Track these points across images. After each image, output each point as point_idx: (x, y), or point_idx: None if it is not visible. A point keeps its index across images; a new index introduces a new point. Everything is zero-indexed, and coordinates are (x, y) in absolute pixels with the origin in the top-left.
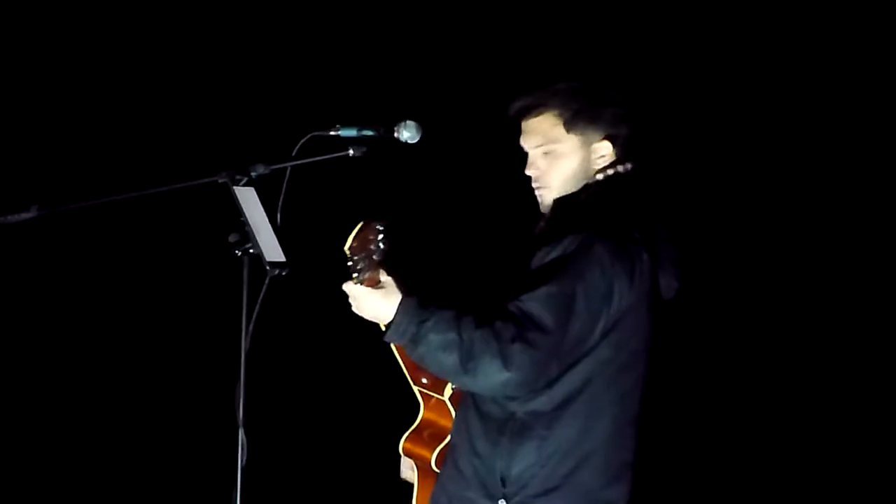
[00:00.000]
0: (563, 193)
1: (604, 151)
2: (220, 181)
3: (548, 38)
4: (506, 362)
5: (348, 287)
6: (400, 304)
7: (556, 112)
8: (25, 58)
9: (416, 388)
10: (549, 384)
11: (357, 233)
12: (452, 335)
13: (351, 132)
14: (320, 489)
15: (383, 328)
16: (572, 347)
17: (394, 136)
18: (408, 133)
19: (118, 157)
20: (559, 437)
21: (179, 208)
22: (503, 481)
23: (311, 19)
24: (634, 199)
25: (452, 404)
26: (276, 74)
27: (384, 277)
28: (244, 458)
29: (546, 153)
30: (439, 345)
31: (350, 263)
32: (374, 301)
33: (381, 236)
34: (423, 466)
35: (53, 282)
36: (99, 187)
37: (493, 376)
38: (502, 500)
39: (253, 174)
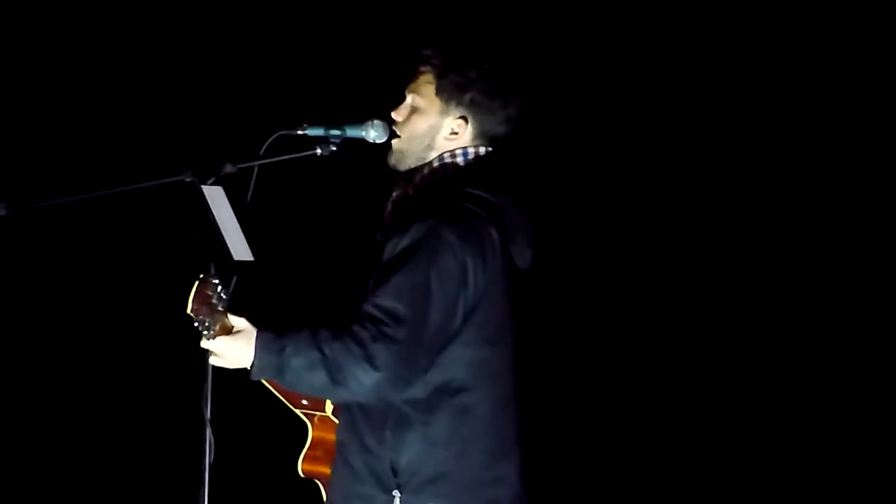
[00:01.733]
0: (406, 147)
1: (456, 129)
2: (186, 180)
3: (519, 40)
4: (372, 363)
5: (205, 344)
6: (256, 340)
7: (437, 73)
8: None
9: (298, 412)
10: (422, 372)
11: (195, 294)
12: (314, 353)
13: (318, 131)
14: (287, 487)
15: (249, 368)
16: (436, 334)
17: (361, 136)
18: (375, 132)
19: (86, 156)
20: (439, 423)
21: (147, 207)
22: (394, 472)
23: (278, 19)
24: (477, 176)
25: (336, 416)
26: (244, 73)
27: (234, 321)
28: (211, 456)
29: (410, 105)
30: (304, 366)
31: (196, 324)
32: (234, 347)
33: (219, 288)
34: (326, 482)
35: (19, 280)
36: (67, 186)
37: (364, 381)
38: (395, 490)
39: (220, 173)
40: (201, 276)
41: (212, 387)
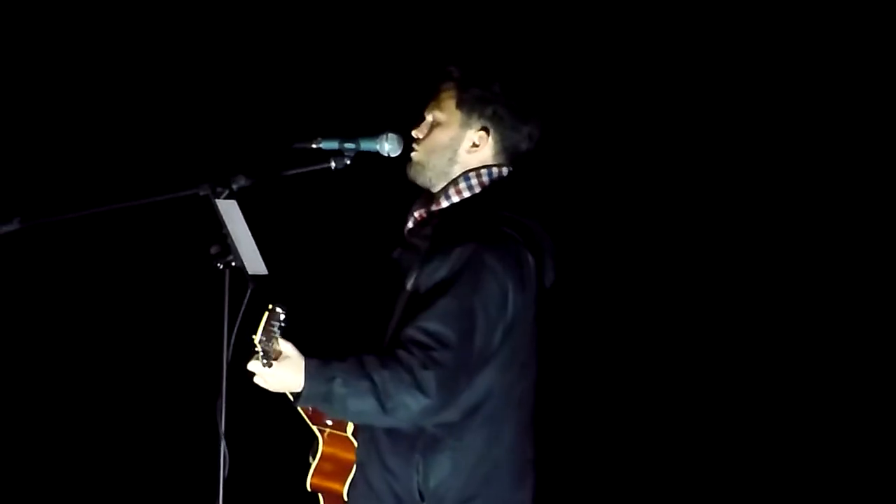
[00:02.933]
0: (424, 160)
1: (477, 141)
2: (201, 193)
3: (531, 57)
4: (422, 390)
5: (254, 367)
6: (305, 368)
7: (459, 86)
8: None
9: (312, 425)
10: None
11: (264, 323)
12: (364, 382)
13: (332, 144)
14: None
15: (290, 396)
16: (477, 359)
17: (375, 149)
18: (389, 146)
19: (101, 170)
20: (470, 446)
21: (161, 220)
22: (421, 495)
23: (292, 33)
24: (513, 200)
25: (354, 437)
26: (259, 86)
27: (284, 348)
28: (226, 470)
29: (433, 120)
30: (354, 396)
31: (258, 351)
32: (282, 374)
33: (282, 317)
34: (333, 499)
35: (37, 294)
36: (81, 199)
37: (413, 407)
38: None
39: (234, 186)
40: (270, 306)
41: (226, 401)
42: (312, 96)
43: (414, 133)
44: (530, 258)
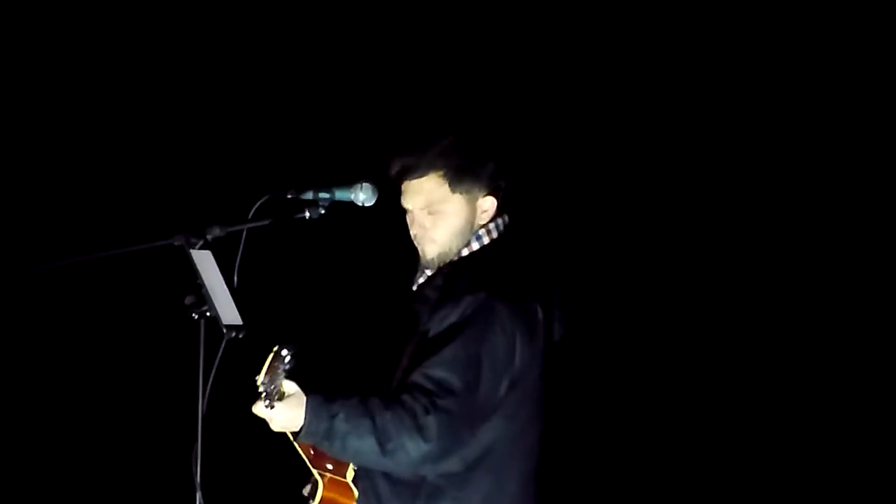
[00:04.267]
0: (447, 248)
1: (487, 206)
2: (176, 244)
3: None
4: (423, 435)
5: (258, 410)
6: (307, 405)
7: (440, 172)
8: None
9: (313, 469)
10: (462, 446)
11: (268, 366)
12: (365, 421)
13: (307, 194)
14: None
15: (290, 436)
16: (482, 409)
17: (350, 199)
18: (363, 195)
19: (76, 221)
20: (472, 498)
21: (136, 270)
22: None
23: (266, 83)
24: (521, 251)
25: (354, 484)
26: (233, 136)
27: (288, 387)
28: None
29: (431, 212)
30: (354, 435)
31: (261, 393)
32: (285, 413)
33: (287, 360)
34: None
35: (10, 344)
36: (57, 250)
37: (413, 452)
38: None
39: (209, 237)
40: (276, 347)
41: (202, 451)
42: (286, 146)
43: (415, 231)
44: (540, 311)
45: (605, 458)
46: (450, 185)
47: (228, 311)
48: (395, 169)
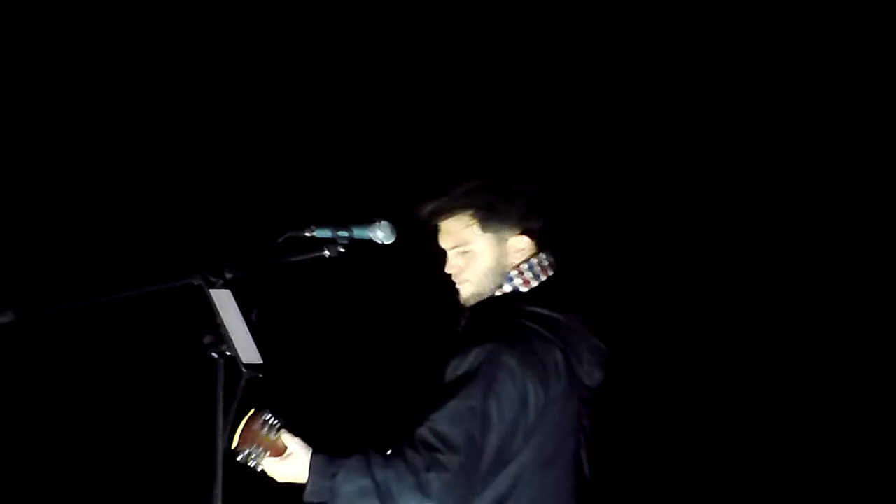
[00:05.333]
0: (482, 287)
1: (521, 245)
2: (195, 283)
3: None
4: (424, 492)
5: (260, 467)
6: (310, 463)
7: (468, 213)
8: None
9: None
10: (475, 496)
11: (242, 429)
12: (366, 481)
13: (325, 233)
14: None
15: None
16: (493, 458)
17: (368, 237)
18: (382, 233)
19: (94, 260)
20: None
21: (155, 310)
22: None
23: (284, 122)
24: (550, 294)
25: None
26: (251, 176)
27: (289, 442)
28: None
29: (463, 252)
30: (357, 494)
31: (239, 458)
32: (286, 469)
33: (269, 419)
34: None
35: (31, 386)
36: (77, 290)
37: None
38: None
39: (228, 276)
40: (252, 411)
41: (222, 490)
42: (305, 185)
43: (450, 271)
44: (559, 354)
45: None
46: (479, 225)
47: (248, 350)
48: (424, 211)
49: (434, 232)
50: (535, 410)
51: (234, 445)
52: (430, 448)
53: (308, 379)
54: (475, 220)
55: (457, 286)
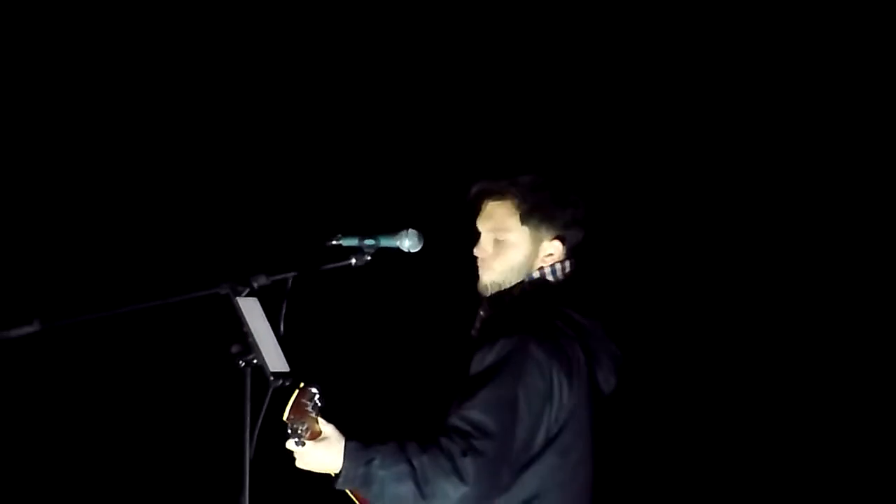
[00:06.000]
0: (503, 278)
1: (552, 251)
2: (221, 293)
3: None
4: (461, 477)
5: (291, 446)
6: (345, 449)
7: (516, 202)
8: (18, 169)
9: None
10: (503, 490)
11: (293, 402)
12: (403, 466)
13: (352, 241)
14: None
15: (333, 475)
16: (520, 451)
17: (396, 245)
18: (409, 242)
19: (121, 270)
20: None
21: (181, 320)
22: None
23: (310, 129)
24: (569, 296)
25: None
26: (279, 184)
27: (324, 428)
28: None
29: (497, 239)
30: (392, 479)
31: (290, 431)
32: (319, 454)
33: (316, 396)
34: None
35: (57, 397)
36: (102, 300)
37: (451, 495)
38: None
39: (255, 285)
40: (301, 384)
41: (249, 501)
42: (332, 193)
43: (478, 253)
44: (581, 355)
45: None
46: (521, 217)
47: (275, 359)
48: (476, 189)
49: (477, 212)
50: (559, 406)
51: (285, 416)
52: (465, 435)
53: (334, 388)
54: (518, 211)
55: (480, 269)
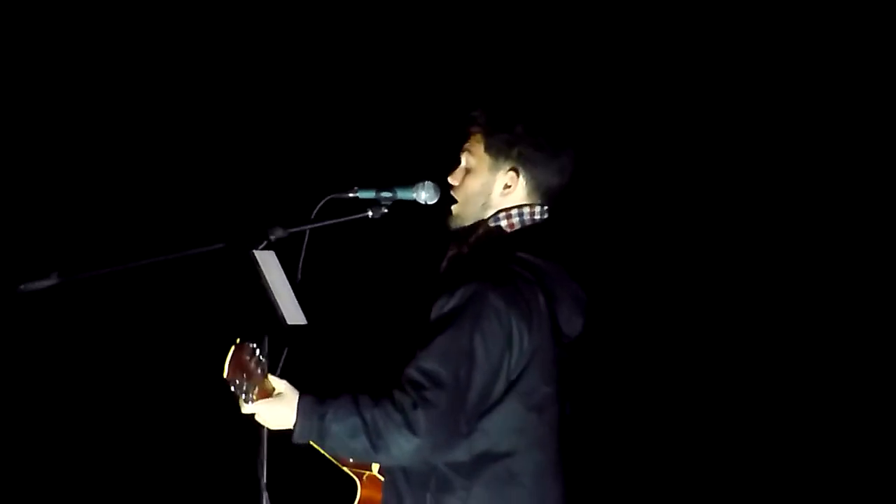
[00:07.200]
0: (463, 209)
1: (509, 182)
2: (239, 245)
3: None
4: (412, 430)
5: (246, 409)
6: (298, 404)
7: (485, 131)
8: (37, 128)
9: (347, 470)
10: (464, 436)
11: (230, 359)
12: (354, 419)
13: (369, 194)
14: None
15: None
16: (479, 399)
17: (412, 198)
18: (426, 194)
19: (138, 224)
20: (480, 490)
21: (197, 274)
22: None
23: (329, 83)
24: (533, 240)
25: (381, 475)
26: (294, 137)
27: (276, 384)
28: None
29: (465, 166)
30: (345, 433)
31: (233, 389)
32: (274, 411)
33: (257, 352)
34: None
35: (74, 349)
36: (119, 254)
37: (404, 447)
38: None
39: (272, 237)
40: (237, 340)
41: (268, 453)
42: (348, 146)
43: (450, 179)
44: (542, 299)
45: (611, 455)
46: (485, 144)
47: (293, 311)
48: (468, 116)
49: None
50: (519, 352)
51: (224, 375)
52: (418, 386)
53: (352, 339)
54: (483, 138)
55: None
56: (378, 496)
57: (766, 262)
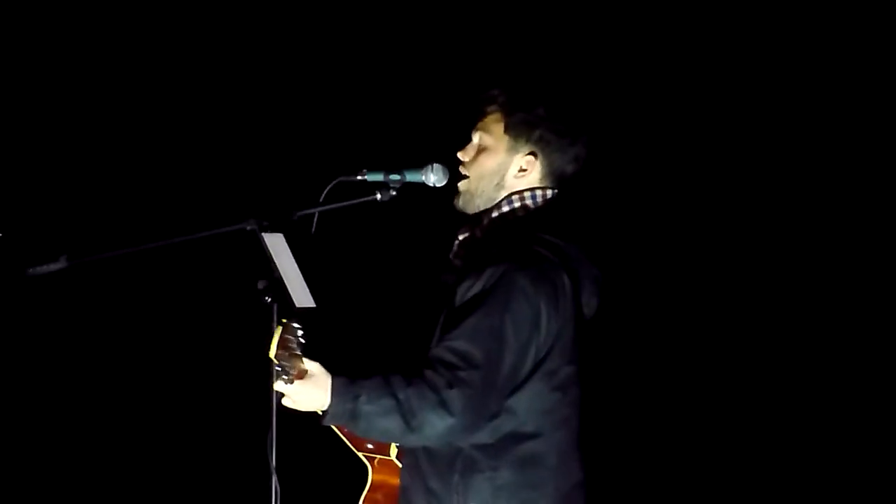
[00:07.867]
0: (474, 187)
1: (525, 166)
2: (248, 228)
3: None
4: (447, 409)
5: (279, 387)
6: (331, 386)
7: (505, 111)
8: (50, 111)
9: (360, 454)
10: (491, 417)
11: (279, 339)
12: (388, 400)
13: (377, 176)
14: None
15: (320, 413)
16: (507, 379)
17: (421, 180)
18: (435, 176)
19: (147, 207)
20: (506, 470)
21: (208, 255)
22: None
23: (338, 66)
24: (547, 221)
25: (399, 460)
26: (304, 120)
27: (309, 366)
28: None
29: (479, 144)
30: (378, 413)
31: (278, 368)
32: (307, 392)
33: (299, 333)
34: None
35: (85, 332)
36: (128, 237)
37: (438, 426)
38: None
39: (281, 220)
40: (284, 321)
41: (276, 435)
42: (357, 129)
43: (460, 155)
44: (567, 280)
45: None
46: (505, 125)
47: (301, 294)
48: (485, 94)
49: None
50: (546, 332)
51: (272, 354)
52: (451, 366)
53: (361, 322)
54: (503, 118)
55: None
56: (392, 480)
57: (763, 260)
